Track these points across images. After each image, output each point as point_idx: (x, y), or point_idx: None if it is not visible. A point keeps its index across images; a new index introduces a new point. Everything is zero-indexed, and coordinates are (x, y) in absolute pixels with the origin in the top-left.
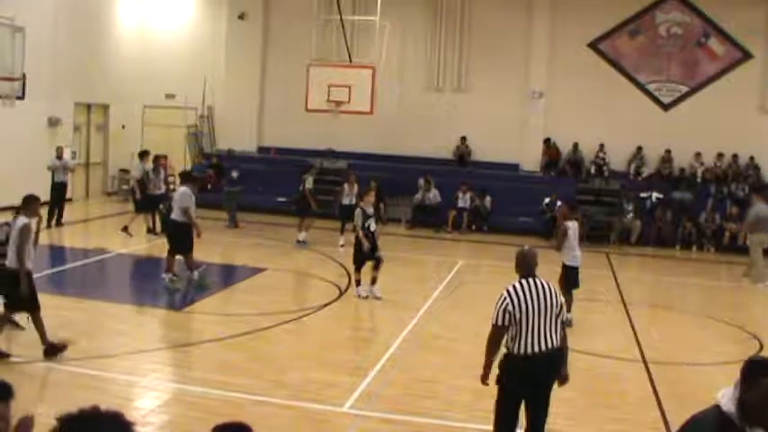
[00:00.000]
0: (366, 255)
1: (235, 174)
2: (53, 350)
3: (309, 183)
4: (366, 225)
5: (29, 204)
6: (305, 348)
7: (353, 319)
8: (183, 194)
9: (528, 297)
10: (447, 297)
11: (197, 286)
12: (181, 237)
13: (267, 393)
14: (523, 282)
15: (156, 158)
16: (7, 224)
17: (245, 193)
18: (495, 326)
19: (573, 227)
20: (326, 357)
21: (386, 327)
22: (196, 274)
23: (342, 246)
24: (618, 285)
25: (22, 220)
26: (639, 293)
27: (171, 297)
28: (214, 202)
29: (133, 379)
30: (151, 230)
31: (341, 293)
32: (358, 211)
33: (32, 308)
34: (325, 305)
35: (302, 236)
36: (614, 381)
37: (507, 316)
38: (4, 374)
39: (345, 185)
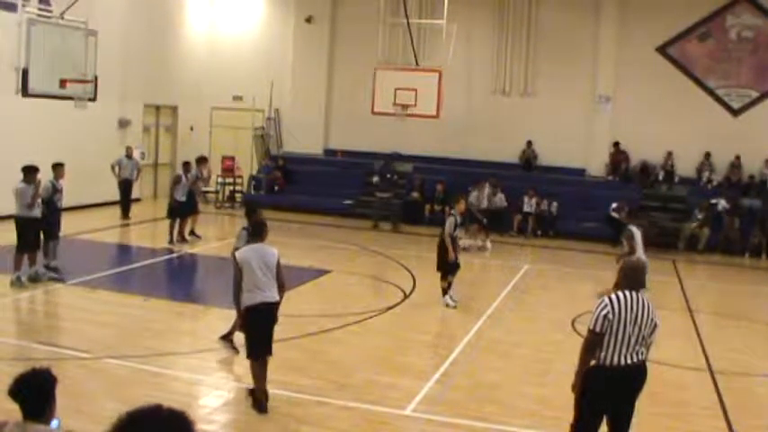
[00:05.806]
0: (452, 263)
1: (375, 179)
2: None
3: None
4: (455, 234)
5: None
6: (368, 351)
7: (417, 323)
8: (19, 191)
9: (628, 308)
10: (511, 302)
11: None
12: (24, 234)
13: (329, 394)
14: (627, 293)
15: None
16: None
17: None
18: (592, 331)
19: (636, 231)
20: (389, 360)
21: (449, 331)
22: (27, 275)
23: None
24: (684, 293)
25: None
26: (706, 301)
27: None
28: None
29: (197, 377)
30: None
31: (405, 297)
32: (452, 219)
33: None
34: (389, 308)
35: None
36: (679, 390)
37: (606, 323)
38: (70, 370)
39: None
